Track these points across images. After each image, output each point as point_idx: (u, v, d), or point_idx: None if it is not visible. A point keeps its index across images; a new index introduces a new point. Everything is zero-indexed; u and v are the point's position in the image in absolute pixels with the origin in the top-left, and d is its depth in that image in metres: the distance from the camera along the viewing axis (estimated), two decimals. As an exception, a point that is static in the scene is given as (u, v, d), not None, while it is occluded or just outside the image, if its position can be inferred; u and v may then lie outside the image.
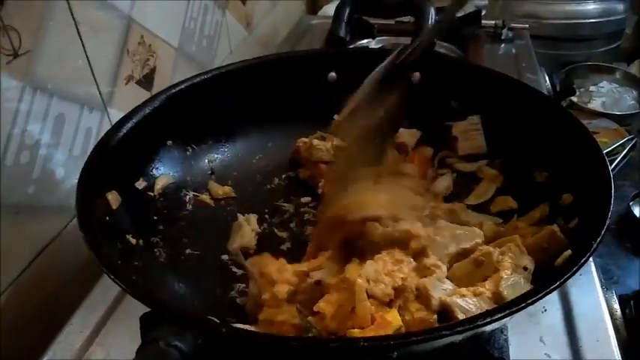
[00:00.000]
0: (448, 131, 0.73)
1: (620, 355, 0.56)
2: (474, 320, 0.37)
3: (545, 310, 0.62)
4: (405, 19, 1.16)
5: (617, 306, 0.64)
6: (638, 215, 1.03)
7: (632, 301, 0.65)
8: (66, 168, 0.71)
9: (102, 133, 0.75)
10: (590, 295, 0.63)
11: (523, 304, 0.37)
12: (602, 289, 0.64)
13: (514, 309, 0.37)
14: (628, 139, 1.15)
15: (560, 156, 0.61)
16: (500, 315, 0.37)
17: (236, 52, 1.17)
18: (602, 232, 0.43)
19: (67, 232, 0.72)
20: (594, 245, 0.42)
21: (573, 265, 0.41)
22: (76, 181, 0.71)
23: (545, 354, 0.57)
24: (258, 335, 0.40)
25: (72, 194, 0.71)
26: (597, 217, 0.46)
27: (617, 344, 0.58)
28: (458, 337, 0.38)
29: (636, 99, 1.34)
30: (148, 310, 0.54)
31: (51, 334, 0.62)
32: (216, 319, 0.39)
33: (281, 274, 0.53)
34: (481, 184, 0.67)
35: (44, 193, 0.68)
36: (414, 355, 0.40)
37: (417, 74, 0.74)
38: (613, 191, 0.48)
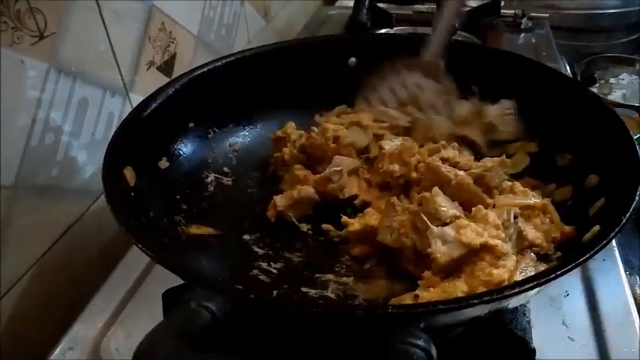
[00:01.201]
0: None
1: (644, 340, 0.56)
2: (500, 291, 0.36)
3: (568, 295, 0.61)
4: (423, 8, 1.16)
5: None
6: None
7: (656, 287, 0.64)
8: (88, 151, 0.71)
9: (123, 118, 0.77)
10: (614, 280, 0.62)
11: (552, 276, 0.37)
12: (626, 274, 0.64)
13: (552, 276, 0.37)
14: (647, 131, 1.13)
15: (585, 138, 0.60)
16: (531, 284, 0.36)
17: (254, 41, 1.17)
18: (632, 206, 0.43)
19: (89, 215, 0.72)
20: (624, 220, 0.42)
21: (605, 237, 0.40)
22: (99, 164, 0.73)
23: (569, 337, 0.57)
24: (285, 302, 0.40)
25: (94, 177, 0.73)
26: (626, 193, 0.45)
27: (641, 329, 0.57)
28: (485, 309, 0.38)
29: (657, 91, 1.32)
30: (170, 287, 0.55)
31: (74, 314, 0.62)
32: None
33: None
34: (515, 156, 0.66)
35: (67, 175, 0.68)
36: (439, 327, 0.40)
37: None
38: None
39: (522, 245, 0.51)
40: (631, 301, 0.60)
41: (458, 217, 0.51)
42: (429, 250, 0.48)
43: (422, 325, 0.37)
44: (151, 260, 0.67)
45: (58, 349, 0.58)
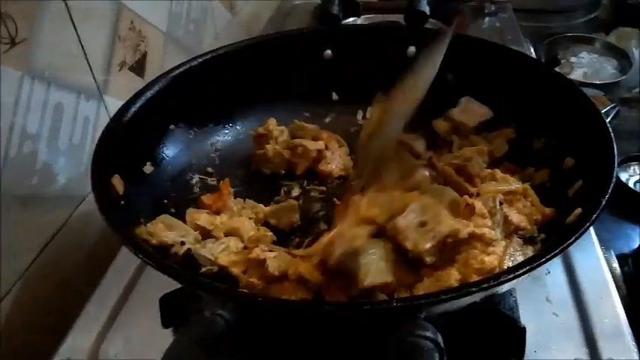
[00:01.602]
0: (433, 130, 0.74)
1: (623, 310, 0.59)
2: (497, 277, 0.38)
3: (549, 273, 0.64)
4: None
5: (616, 264, 0.66)
6: (624, 181, 1.07)
7: (629, 259, 0.67)
8: (66, 157, 0.70)
9: (99, 122, 0.76)
10: (591, 255, 0.65)
11: (550, 255, 0.39)
12: (602, 249, 0.67)
13: (543, 260, 0.39)
14: (611, 108, 1.18)
15: (557, 121, 0.62)
16: (524, 269, 0.38)
17: (222, 35, 1.16)
18: (610, 188, 0.45)
19: (72, 220, 0.72)
20: (603, 201, 0.44)
21: (587, 219, 0.42)
22: (78, 169, 0.72)
23: (553, 313, 0.59)
24: (291, 302, 0.41)
25: (74, 182, 0.72)
26: (602, 175, 0.48)
27: (619, 300, 0.60)
28: (482, 295, 0.39)
29: (616, 68, 1.37)
30: (166, 292, 0.56)
31: (66, 322, 0.62)
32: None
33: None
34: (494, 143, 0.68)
35: (47, 183, 0.68)
36: (438, 316, 0.41)
37: (412, 48, 0.75)
38: (615, 147, 0.49)
39: (509, 230, 0.53)
40: (608, 275, 0.63)
41: None
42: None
43: (423, 315, 0.38)
44: (139, 264, 0.68)
45: (56, 358, 0.58)
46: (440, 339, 0.34)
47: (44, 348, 0.60)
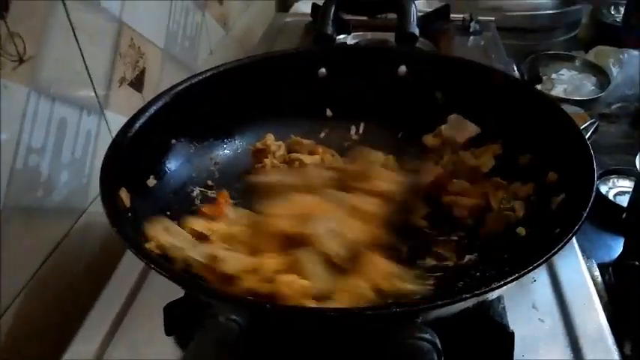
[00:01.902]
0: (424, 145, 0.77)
1: (604, 316, 0.62)
2: (499, 279, 0.41)
3: (535, 281, 0.67)
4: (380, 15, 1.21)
5: (597, 273, 0.70)
6: (604, 193, 1.11)
7: (610, 268, 0.71)
8: (69, 171, 0.72)
9: (100, 136, 0.78)
10: (574, 264, 0.69)
11: (543, 260, 0.42)
12: (584, 258, 0.70)
13: (536, 264, 0.42)
14: (590, 123, 1.22)
15: (539, 137, 0.66)
16: (522, 272, 0.41)
17: (216, 52, 1.19)
18: (590, 202, 0.49)
19: (73, 232, 0.73)
20: (585, 213, 0.48)
21: (570, 230, 0.46)
22: (80, 182, 0.74)
23: (539, 319, 0.63)
24: (300, 309, 0.43)
25: (75, 195, 0.74)
26: (583, 189, 0.51)
27: (601, 307, 0.64)
28: (476, 300, 0.42)
29: (595, 84, 1.42)
30: (170, 301, 0.58)
31: (68, 332, 0.63)
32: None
33: None
34: (481, 158, 0.71)
35: (51, 195, 0.69)
36: (433, 322, 0.44)
37: (402, 67, 0.78)
38: (594, 159, 0.53)
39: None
40: (590, 283, 0.66)
41: None
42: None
43: (420, 320, 0.41)
44: (141, 273, 0.70)
45: (60, 367, 0.59)
46: (438, 341, 0.37)
47: (51, 355, 0.62)
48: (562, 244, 0.45)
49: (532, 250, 0.54)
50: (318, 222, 0.57)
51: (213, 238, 0.61)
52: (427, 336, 0.36)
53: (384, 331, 0.40)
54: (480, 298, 0.43)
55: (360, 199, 0.62)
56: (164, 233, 0.57)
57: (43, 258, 0.69)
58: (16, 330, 0.64)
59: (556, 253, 0.45)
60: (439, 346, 0.37)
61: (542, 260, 0.44)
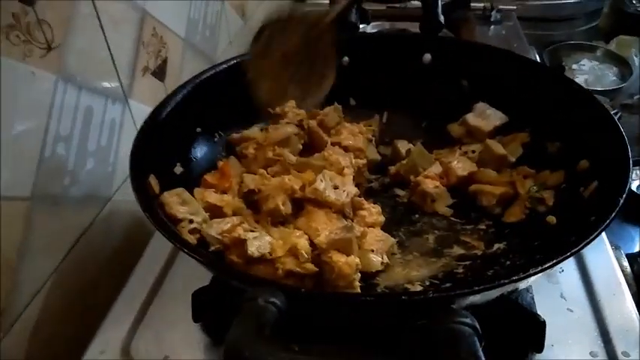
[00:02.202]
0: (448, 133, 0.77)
1: (634, 306, 0.62)
2: (539, 264, 0.41)
3: (563, 271, 0.67)
4: (398, 4, 1.20)
5: (626, 263, 0.69)
6: (627, 184, 1.10)
7: (639, 258, 0.70)
8: (96, 159, 0.73)
9: (124, 124, 0.78)
10: (602, 254, 0.68)
11: (581, 246, 0.42)
12: (612, 248, 0.69)
13: (576, 249, 0.41)
14: (612, 114, 1.21)
15: (571, 125, 0.65)
16: (563, 257, 0.41)
17: (235, 41, 1.19)
18: (627, 188, 0.48)
19: (99, 220, 0.74)
20: (621, 200, 0.47)
21: (606, 218, 0.45)
22: (106, 170, 0.75)
23: (568, 309, 0.62)
24: (333, 295, 0.43)
25: (101, 183, 0.74)
26: (618, 174, 0.51)
27: (631, 296, 0.63)
28: (515, 285, 0.42)
29: (616, 75, 1.41)
30: (199, 287, 0.58)
31: (95, 321, 0.64)
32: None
33: None
34: (509, 147, 0.70)
35: (77, 183, 0.70)
36: (467, 307, 0.44)
37: (427, 55, 0.78)
38: (629, 147, 0.52)
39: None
40: (619, 273, 0.66)
41: None
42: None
43: (455, 306, 0.41)
44: (167, 261, 0.70)
45: (88, 353, 0.60)
46: (477, 325, 0.36)
47: (76, 343, 0.62)
48: (600, 229, 0.45)
49: (565, 238, 0.53)
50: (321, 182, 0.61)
51: (227, 210, 0.61)
52: (467, 320, 0.36)
53: (424, 317, 0.40)
54: (517, 285, 0.43)
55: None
56: (178, 205, 0.58)
57: (70, 245, 0.69)
58: (42, 317, 0.64)
59: (595, 238, 0.44)
60: (479, 329, 0.36)
61: (582, 245, 0.43)
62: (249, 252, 0.53)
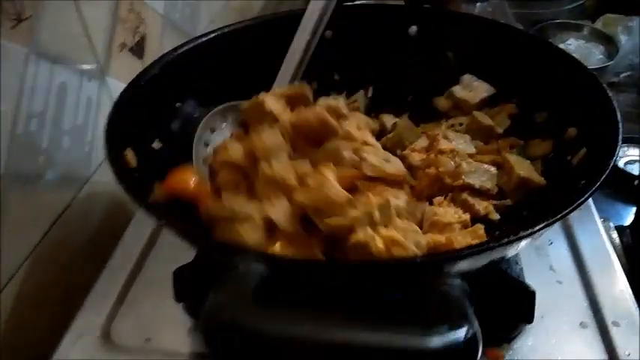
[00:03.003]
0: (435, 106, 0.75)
1: (624, 277, 0.61)
2: (523, 229, 0.39)
3: (552, 243, 0.66)
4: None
5: (615, 235, 0.68)
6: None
7: (628, 230, 0.69)
8: (71, 137, 0.70)
9: (101, 103, 0.76)
10: (591, 226, 0.68)
11: (569, 210, 0.40)
12: (601, 220, 0.69)
13: (564, 213, 0.40)
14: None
15: (559, 94, 0.64)
16: (555, 218, 0.40)
17: (217, 20, 1.16)
18: (617, 151, 0.47)
19: (77, 201, 0.71)
20: (611, 163, 0.46)
21: (598, 177, 0.44)
22: (82, 150, 0.72)
23: (557, 281, 0.61)
24: (315, 263, 0.42)
25: (78, 163, 0.72)
26: (608, 135, 0.49)
27: (620, 267, 0.62)
28: (503, 252, 0.41)
29: (603, 53, 1.40)
30: (180, 265, 0.56)
31: (73, 304, 0.62)
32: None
33: None
34: (496, 118, 0.69)
35: (53, 162, 0.67)
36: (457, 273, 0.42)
37: (413, 27, 0.76)
38: (618, 113, 0.51)
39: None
40: (608, 244, 0.65)
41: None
42: None
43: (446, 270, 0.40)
44: (147, 241, 0.68)
45: (67, 338, 0.58)
46: (468, 287, 0.35)
47: (54, 327, 0.60)
48: (591, 191, 0.44)
49: (553, 206, 0.52)
50: None
51: None
52: (457, 282, 0.35)
53: (415, 279, 0.38)
54: (505, 251, 0.42)
55: None
56: None
57: (46, 228, 0.67)
58: (19, 301, 0.62)
59: (584, 202, 0.43)
60: (469, 291, 0.35)
61: (570, 209, 0.42)
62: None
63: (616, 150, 0.47)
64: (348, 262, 0.43)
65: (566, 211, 0.40)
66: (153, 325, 0.60)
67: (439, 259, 0.38)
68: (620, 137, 0.49)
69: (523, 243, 0.42)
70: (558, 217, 0.40)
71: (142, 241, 0.68)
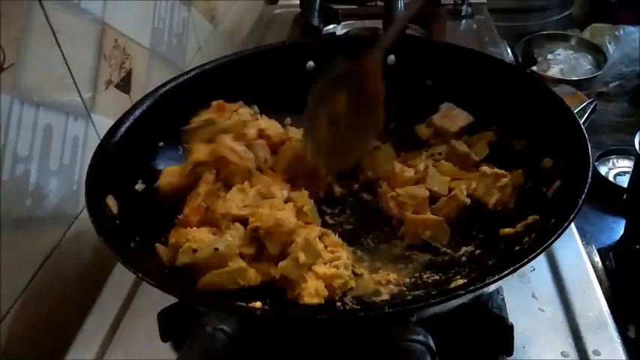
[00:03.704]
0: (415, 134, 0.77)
1: (605, 303, 0.61)
2: (493, 273, 0.40)
3: (534, 270, 0.66)
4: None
5: (597, 259, 0.69)
6: (604, 174, 1.10)
7: (610, 254, 0.70)
8: (58, 177, 0.71)
9: (88, 141, 0.77)
10: (573, 251, 0.68)
11: (526, 260, 0.41)
12: (583, 244, 0.69)
13: (532, 256, 0.41)
14: (588, 103, 1.21)
15: (534, 123, 0.65)
16: (516, 267, 0.40)
17: (204, 47, 1.18)
18: (586, 189, 0.47)
19: (66, 240, 0.72)
20: (580, 202, 0.46)
21: (566, 218, 0.44)
22: (69, 189, 0.73)
23: (539, 308, 0.62)
24: (288, 314, 0.43)
25: (66, 202, 0.73)
26: (579, 174, 0.50)
27: (602, 293, 0.63)
28: (471, 295, 0.41)
29: (591, 63, 1.41)
30: (164, 307, 0.57)
31: (63, 342, 0.63)
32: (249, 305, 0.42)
33: None
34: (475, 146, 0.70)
35: (40, 204, 0.68)
36: (429, 318, 0.43)
37: (391, 57, 0.77)
38: (588, 143, 0.52)
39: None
40: (590, 269, 0.65)
41: None
42: None
43: (414, 318, 0.40)
44: (136, 279, 0.69)
45: (56, 378, 0.59)
46: (431, 341, 0.36)
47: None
48: (558, 233, 0.44)
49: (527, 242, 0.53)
50: None
51: None
52: (420, 337, 0.35)
53: (378, 334, 0.39)
54: (475, 294, 0.42)
55: None
56: None
57: (37, 267, 0.68)
58: (12, 341, 0.63)
59: (553, 242, 0.44)
60: (432, 346, 0.36)
61: (536, 253, 0.42)
62: None
63: (584, 189, 0.48)
64: (306, 314, 0.44)
65: (529, 258, 0.41)
66: (142, 362, 0.60)
67: (404, 309, 0.39)
68: (590, 175, 0.49)
69: (493, 286, 0.43)
70: (516, 266, 0.41)
71: (131, 279, 0.69)
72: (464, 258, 0.61)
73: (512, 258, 0.43)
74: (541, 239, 0.45)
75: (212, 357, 0.34)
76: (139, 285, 0.69)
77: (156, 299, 0.61)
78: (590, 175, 0.49)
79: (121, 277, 0.70)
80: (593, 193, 0.49)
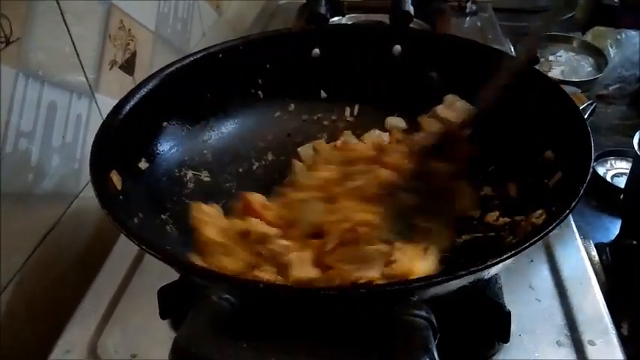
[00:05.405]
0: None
1: (601, 295, 0.62)
2: (494, 257, 0.40)
3: (532, 261, 0.67)
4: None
5: (594, 253, 0.69)
6: (601, 174, 1.11)
7: (607, 249, 0.71)
8: (60, 155, 0.71)
9: (91, 120, 0.77)
10: (571, 245, 0.69)
11: (540, 236, 0.42)
12: (581, 238, 0.70)
13: (534, 240, 0.41)
14: (588, 104, 1.22)
15: (539, 116, 0.65)
16: (517, 250, 0.41)
17: (209, 34, 1.18)
18: (587, 179, 0.48)
19: (66, 217, 0.73)
20: (581, 190, 0.47)
21: (567, 207, 0.45)
22: (71, 167, 0.73)
23: (536, 299, 0.62)
24: (289, 288, 0.43)
25: (67, 180, 0.73)
26: (580, 163, 0.51)
27: (598, 287, 0.63)
28: (474, 277, 0.42)
29: (592, 66, 1.41)
30: (165, 284, 0.57)
31: (61, 320, 0.63)
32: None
33: None
34: None
35: (42, 180, 0.68)
36: (429, 300, 0.43)
37: (397, 47, 0.77)
38: (591, 135, 0.52)
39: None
40: (587, 263, 0.66)
41: None
42: None
43: (416, 298, 0.41)
44: (135, 258, 0.69)
45: (54, 353, 0.59)
46: (433, 318, 0.36)
47: (43, 342, 0.61)
48: (558, 220, 0.45)
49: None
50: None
51: None
52: (422, 312, 0.36)
53: (380, 309, 0.39)
54: (475, 276, 0.43)
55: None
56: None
57: (36, 244, 0.68)
58: (9, 316, 0.63)
59: (552, 230, 0.44)
60: (434, 322, 0.36)
61: (538, 237, 0.43)
62: None
63: (586, 178, 0.48)
64: (310, 289, 0.44)
65: (530, 242, 0.42)
66: (139, 342, 0.61)
67: (406, 287, 0.39)
68: (592, 165, 0.50)
69: (494, 270, 0.44)
70: (518, 249, 0.41)
71: (130, 257, 0.69)
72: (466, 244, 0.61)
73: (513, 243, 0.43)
74: (542, 225, 0.45)
75: (218, 324, 0.35)
76: (138, 263, 0.69)
77: (154, 279, 0.62)
78: (592, 163, 0.50)
79: (120, 256, 0.70)
80: (590, 192, 0.50)
